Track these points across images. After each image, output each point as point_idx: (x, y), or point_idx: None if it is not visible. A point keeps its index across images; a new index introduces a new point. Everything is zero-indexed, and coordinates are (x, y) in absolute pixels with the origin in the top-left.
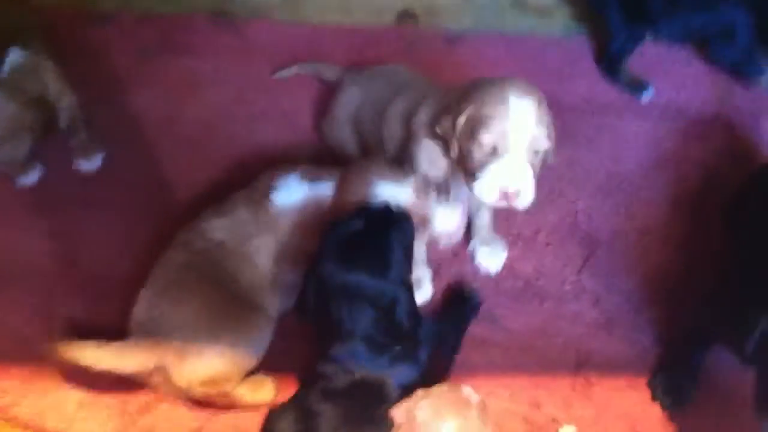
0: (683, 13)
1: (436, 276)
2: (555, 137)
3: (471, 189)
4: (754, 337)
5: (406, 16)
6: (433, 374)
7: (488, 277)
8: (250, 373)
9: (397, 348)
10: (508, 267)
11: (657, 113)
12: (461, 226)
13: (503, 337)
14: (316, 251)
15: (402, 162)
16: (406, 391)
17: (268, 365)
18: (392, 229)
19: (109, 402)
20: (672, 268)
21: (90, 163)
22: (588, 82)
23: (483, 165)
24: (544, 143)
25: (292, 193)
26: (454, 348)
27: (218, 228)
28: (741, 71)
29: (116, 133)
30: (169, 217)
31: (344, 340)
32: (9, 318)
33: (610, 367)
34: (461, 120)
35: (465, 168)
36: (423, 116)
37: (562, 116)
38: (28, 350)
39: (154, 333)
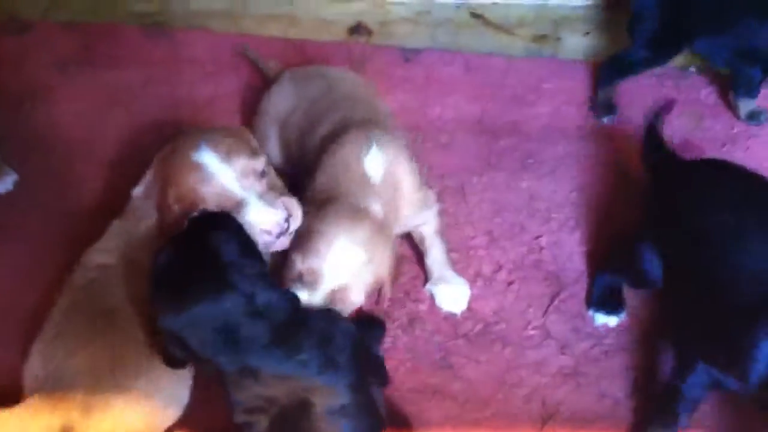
0: (732, 32)
1: (387, 318)
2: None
3: None
4: (755, 360)
5: (358, 30)
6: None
7: (443, 320)
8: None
9: (303, 354)
10: (465, 308)
11: (626, 138)
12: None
13: (460, 388)
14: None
15: None
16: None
17: (191, 419)
18: (210, 236)
19: None
20: (647, 307)
21: (1, 184)
22: (552, 106)
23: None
24: (355, 299)
25: None
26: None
27: (99, 251)
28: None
29: (30, 153)
30: (84, 244)
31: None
32: None
33: (579, 421)
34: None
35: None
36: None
37: (522, 144)
38: None
39: (52, 390)
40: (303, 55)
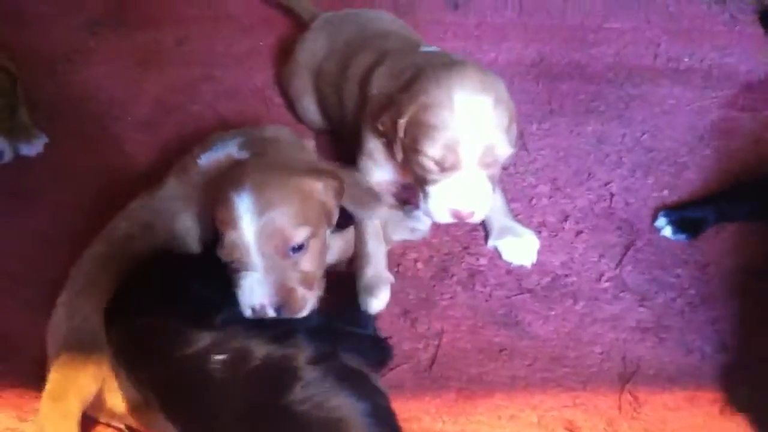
0: None
1: (444, 274)
2: (517, 129)
3: (421, 203)
4: None
5: None
6: None
7: (505, 274)
8: None
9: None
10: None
11: (699, 80)
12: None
13: (528, 346)
14: None
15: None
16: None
17: None
18: None
19: None
20: (730, 250)
21: (31, 148)
22: (616, 46)
23: (430, 180)
24: (504, 150)
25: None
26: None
27: (145, 207)
28: None
29: (62, 116)
30: (114, 209)
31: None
32: None
33: (662, 380)
34: (402, 122)
35: (413, 177)
36: (374, 86)
37: (586, 87)
38: None
39: (77, 347)
40: (347, 5)
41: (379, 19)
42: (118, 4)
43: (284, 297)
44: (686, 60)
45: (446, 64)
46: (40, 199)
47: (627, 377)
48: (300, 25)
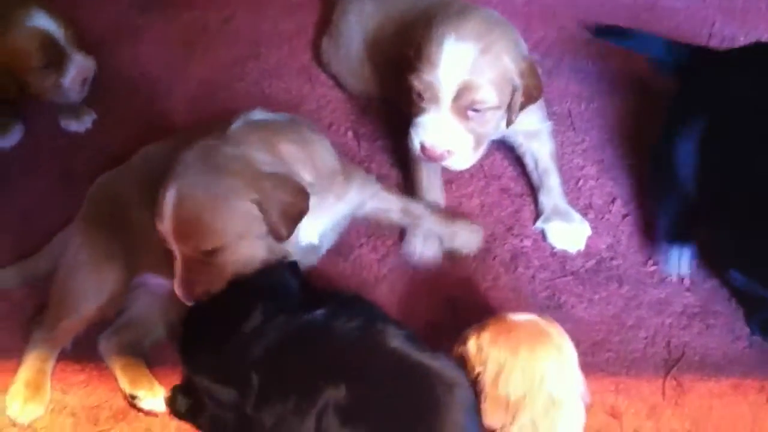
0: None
1: (486, 255)
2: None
3: None
4: None
5: None
6: None
7: (549, 256)
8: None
9: None
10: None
11: None
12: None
13: (571, 330)
14: None
15: None
16: None
17: None
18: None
19: (75, 408)
20: None
21: (80, 124)
22: (669, 25)
23: (413, 114)
24: (487, 98)
25: None
26: None
27: None
28: None
29: (110, 94)
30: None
31: None
32: None
33: (708, 367)
34: (411, 53)
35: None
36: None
37: (637, 66)
38: None
39: None
40: None
41: None
42: None
43: (191, 294)
44: (741, 40)
45: (459, 11)
46: (90, 178)
47: (671, 363)
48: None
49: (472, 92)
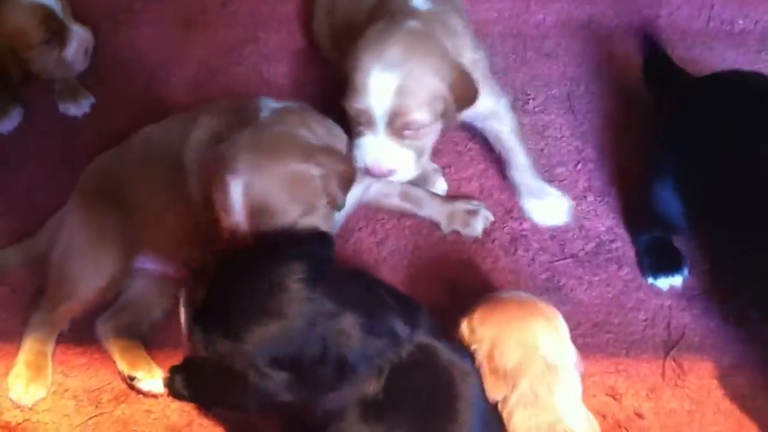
0: None
1: (486, 238)
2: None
3: None
4: None
5: None
6: None
7: (549, 239)
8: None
9: None
10: (575, 225)
11: (753, 43)
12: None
13: (571, 311)
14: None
15: None
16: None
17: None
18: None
19: (76, 391)
20: None
21: (78, 108)
22: (668, 8)
23: (356, 134)
24: (418, 118)
25: None
26: None
27: None
28: None
29: (107, 77)
30: None
31: None
32: None
33: (709, 348)
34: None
35: None
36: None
37: (637, 50)
38: None
39: None
40: None
41: None
42: None
43: None
44: (740, 23)
45: (381, 31)
46: (89, 160)
47: (671, 344)
48: None
49: (403, 116)
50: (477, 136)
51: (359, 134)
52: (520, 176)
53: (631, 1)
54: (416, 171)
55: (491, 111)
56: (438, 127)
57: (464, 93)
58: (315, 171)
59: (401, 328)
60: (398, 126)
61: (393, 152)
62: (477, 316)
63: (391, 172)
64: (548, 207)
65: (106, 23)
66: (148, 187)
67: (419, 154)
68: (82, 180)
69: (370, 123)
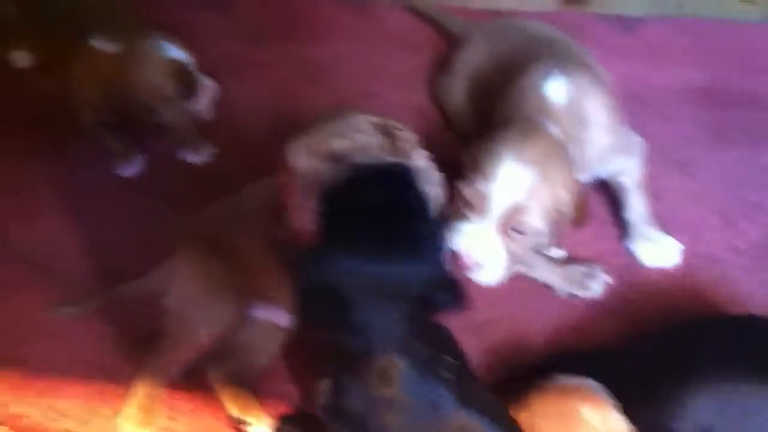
0: None
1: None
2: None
3: None
4: None
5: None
6: None
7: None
8: None
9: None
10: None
11: None
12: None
13: None
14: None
15: None
16: None
17: None
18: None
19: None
20: None
21: (197, 156)
22: None
23: (457, 217)
24: (535, 223)
25: None
26: None
27: None
28: None
29: (224, 126)
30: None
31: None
32: (69, 331)
33: None
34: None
35: None
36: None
37: (761, 116)
38: (94, 370)
39: None
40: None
41: (540, 28)
42: (284, 21)
43: None
44: None
45: (527, 122)
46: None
47: None
48: (454, 41)
49: (521, 215)
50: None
51: (463, 218)
52: (633, 219)
53: (755, 67)
54: (498, 278)
55: (623, 169)
56: (541, 240)
57: (580, 212)
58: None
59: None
60: (509, 223)
61: (491, 247)
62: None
63: (476, 267)
64: (658, 249)
65: (226, 75)
66: (259, 234)
67: (511, 262)
68: (195, 228)
69: (481, 211)
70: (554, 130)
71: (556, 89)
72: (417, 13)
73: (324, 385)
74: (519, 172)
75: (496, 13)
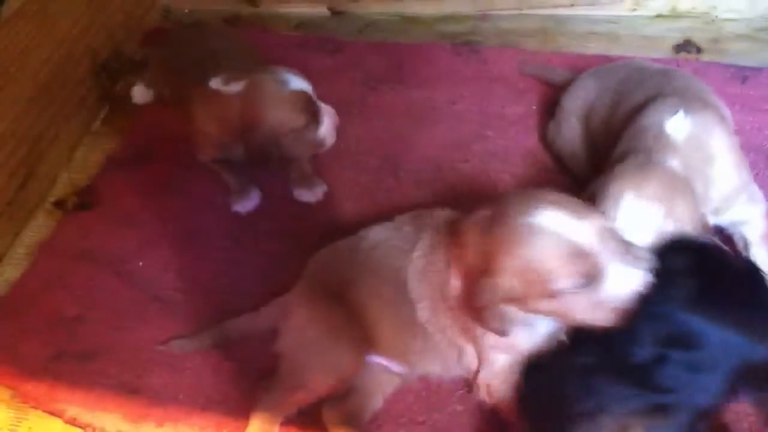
0: None
1: None
2: None
3: None
4: None
5: (685, 47)
6: None
7: None
8: None
9: None
10: None
11: None
12: None
13: None
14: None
15: None
16: None
17: None
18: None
19: None
20: None
21: (312, 195)
22: None
23: None
24: None
25: None
26: None
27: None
28: None
29: (337, 166)
30: None
31: None
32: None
33: None
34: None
35: None
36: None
37: None
38: (212, 403)
39: None
40: None
41: (655, 64)
42: (396, 65)
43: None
44: None
45: (646, 157)
46: (318, 247)
47: None
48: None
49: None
50: None
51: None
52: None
53: None
54: None
55: (747, 218)
56: None
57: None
58: None
59: None
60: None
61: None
62: None
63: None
64: None
65: (340, 115)
66: (362, 289)
67: None
68: (310, 271)
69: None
70: (674, 163)
71: (677, 126)
72: (521, 71)
73: None
74: (639, 212)
75: (609, 59)
